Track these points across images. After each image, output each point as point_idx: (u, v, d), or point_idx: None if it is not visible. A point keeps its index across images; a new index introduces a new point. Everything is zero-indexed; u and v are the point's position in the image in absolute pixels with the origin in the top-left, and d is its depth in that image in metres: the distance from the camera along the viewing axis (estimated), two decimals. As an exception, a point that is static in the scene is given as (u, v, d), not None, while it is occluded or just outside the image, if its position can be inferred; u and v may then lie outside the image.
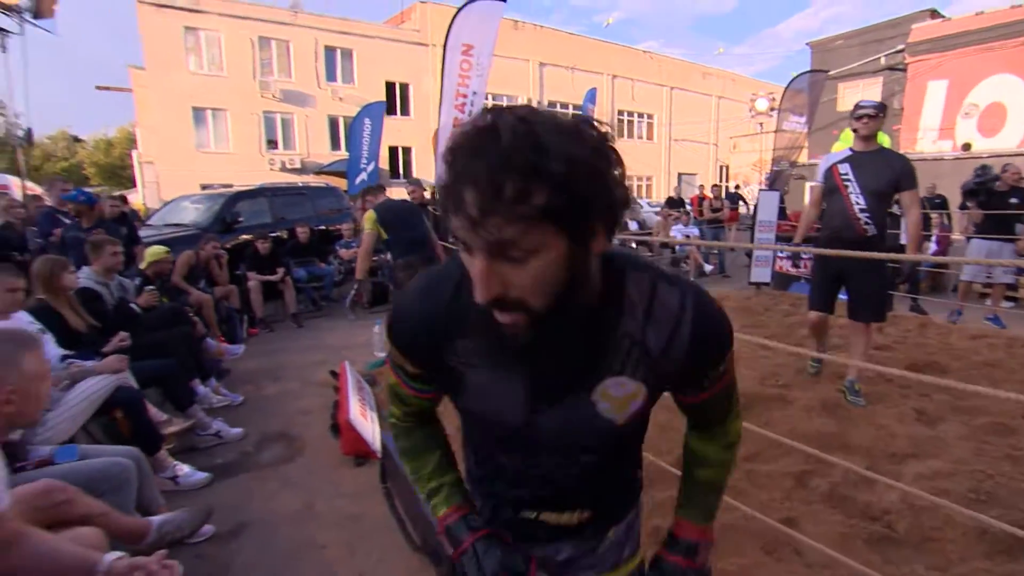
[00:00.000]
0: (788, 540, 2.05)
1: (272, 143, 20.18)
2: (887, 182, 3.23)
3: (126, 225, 5.58)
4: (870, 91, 17.28)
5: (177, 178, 17.62)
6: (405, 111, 22.18)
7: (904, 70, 16.57)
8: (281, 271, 6.13)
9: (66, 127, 36.38)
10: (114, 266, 3.60)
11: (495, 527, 0.91)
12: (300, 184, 9.36)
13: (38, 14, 9.32)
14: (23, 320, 2.66)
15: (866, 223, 3.27)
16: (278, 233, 6.90)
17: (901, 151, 7.37)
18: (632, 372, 0.76)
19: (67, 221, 5.14)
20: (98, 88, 22.10)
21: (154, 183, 18.66)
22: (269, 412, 3.81)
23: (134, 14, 17.87)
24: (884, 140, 3.60)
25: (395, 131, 18.98)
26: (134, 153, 21.03)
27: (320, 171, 19.16)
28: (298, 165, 19.82)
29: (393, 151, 21.30)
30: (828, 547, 1.88)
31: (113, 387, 2.59)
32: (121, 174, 28.49)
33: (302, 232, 6.85)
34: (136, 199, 17.27)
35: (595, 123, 0.63)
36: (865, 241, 3.24)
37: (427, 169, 17.88)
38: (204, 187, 16.66)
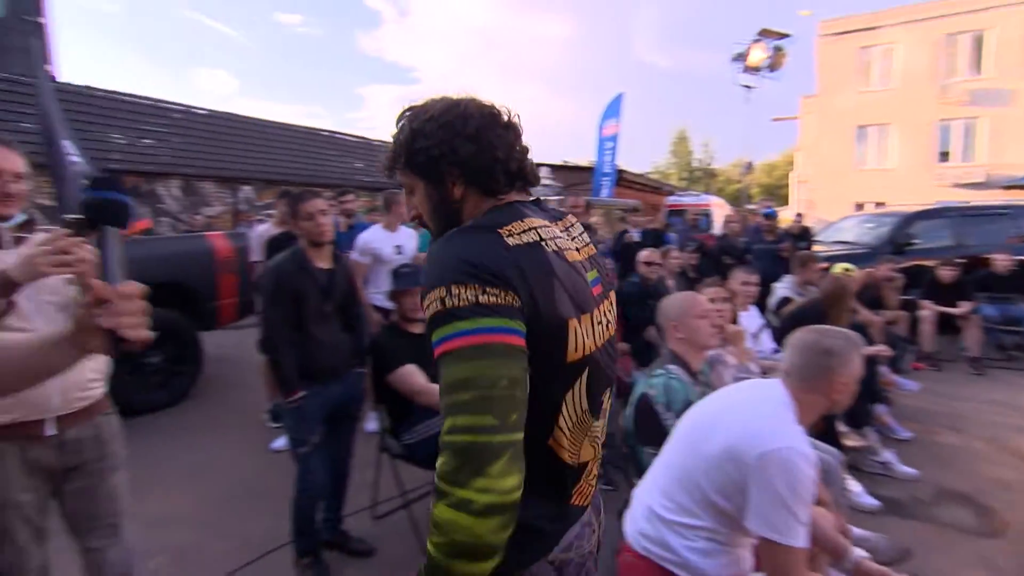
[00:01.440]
0: None
1: (944, 155, 17.51)
2: None
3: (806, 240, 6.11)
4: None
5: (830, 196, 18.04)
6: None
7: None
8: (967, 305, 5.20)
9: (742, 156, 43.94)
10: (815, 282, 3.91)
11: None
12: (999, 203, 7.61)
13: (773, 68, 12.32)
14: (754, 315, 3.30)
15: None
16: (963, 260, 5.88)
17: None
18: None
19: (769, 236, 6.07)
20: (774, 120, 25.52)
21: (806, 200, 19.80)
22: (947, 465, 3.31)
23: (811, 50, 19.39)
24: None
25: None
26: (792, 175, 23.00)
27: (1011, 185, 15.18)
28: (979, 179, 16.40)
29: None
30: None
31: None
32: (778, 193, 31.91)
33: (1002, 262, 5.56)
34: (785, 216, 19.00)
35: (467, 103, 0.92)
36: None
37: None
38: (858, 206, 16.31)
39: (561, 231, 0.94)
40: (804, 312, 3.18)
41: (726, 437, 1.34)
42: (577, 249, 0.94)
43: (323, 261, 2.25)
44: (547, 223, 0.91)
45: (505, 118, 0.93)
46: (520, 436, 0.75)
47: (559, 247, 0.88)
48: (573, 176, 14.73)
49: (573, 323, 0.84)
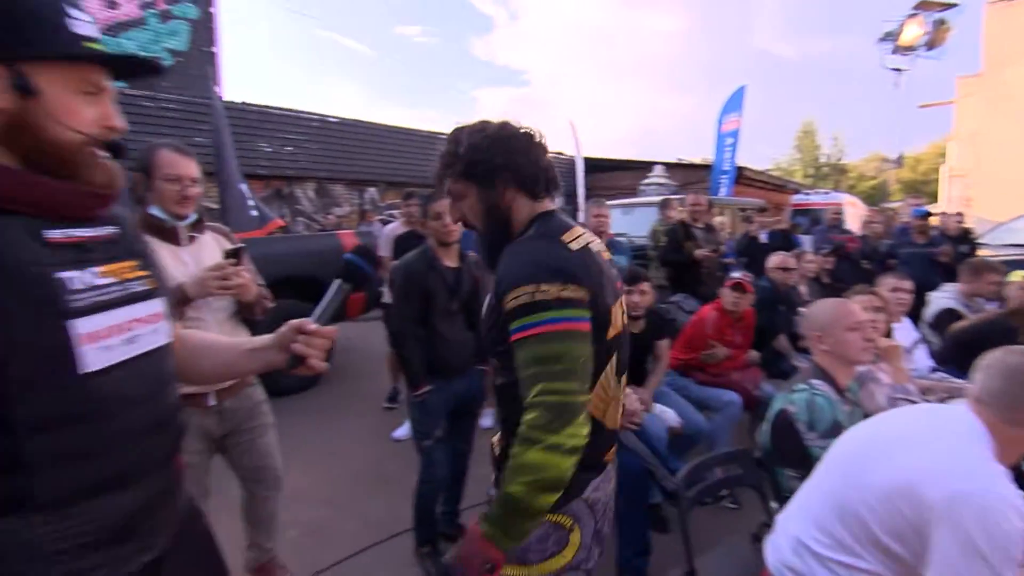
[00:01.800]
0: None
1: None
2: None
3: (968, 243, 5.32)
4: None
5: (994, 192, 15.61)
6: None
7: None
8: None
9: (878, 150, 39.44)
10: (987, 294, 3.37)
11: None
12: None
13: (932, 45, 10.63)
14: (907, 328, 2.91)
15: None
16: None
17: None
18: (493, 287, 1.05)
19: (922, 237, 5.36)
20: (921, 107, 22.51)
21: (961, 198, 17.32)
22: None
23: (972, 22, 16.76)
24: None
25: None
26: (942, 168, 20.24)
27: None
28: None
29: None
30: None
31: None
32: (923, 190, 28.25)
33: None
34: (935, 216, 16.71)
35: (511, 124, 1.11)
36: None
37: None
38: (1033, 203, 13.98)
39: (591, 236, 1.13)
40: (986, 329, 2.75)
41: (900, 470, 1.17)
42: (603, 250, 1.14)
43: (450, 260, 2.31)
44: (583, 230, 1.11)
45: (537, 138, 1.13)
46: (588, 399, 0.98)
47: (597, 248, 1.10)
48: (689, 174, 14.09)
49: (614, 308, 1.07)
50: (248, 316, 1.85)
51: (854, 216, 8.96)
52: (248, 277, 1.73)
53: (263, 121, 8.96)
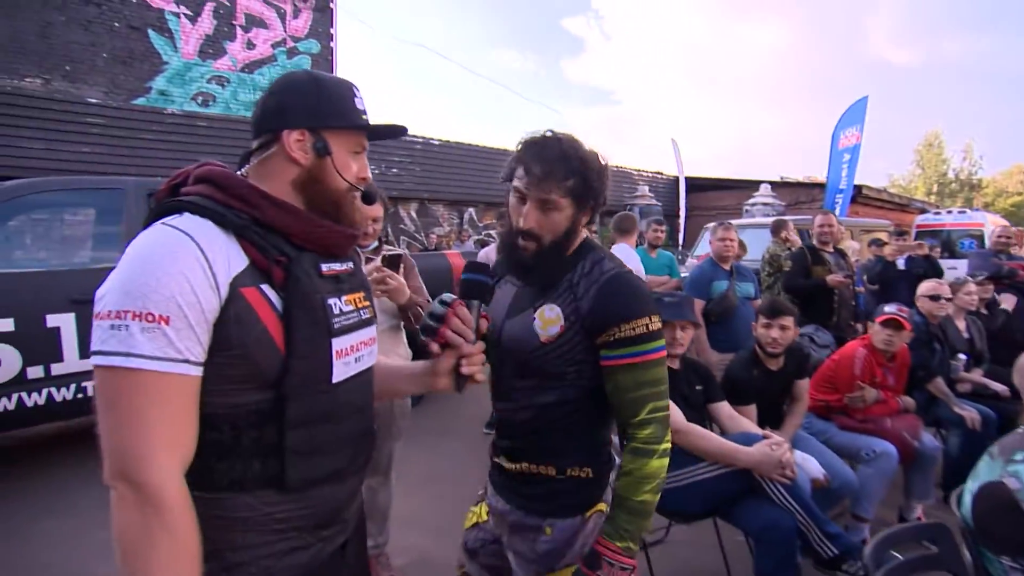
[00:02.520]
0: None
1: None
2: None
3: None
4: None
5: None
6: None
7: None
8: None
9: (1020, 162, 34.92)
10: None
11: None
12: None
13: None
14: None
15: None
16: None
17: None
18: (560, 303, 1.13)
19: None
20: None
21: None
22: None
23: None
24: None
25: None
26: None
27: None
28: None
29: None
30: None
31: None
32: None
33: None
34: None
35: (592, 147, 1.15)
36: None
37: None
38: None
39: None
40: None
41: None
42: None
43: None
44: None
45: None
46: None
47: None
48: (798, 193, 13.20)
49: None
50: (407, 324, 2.10)
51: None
52: (400, 281, 1.93)
53: (374, 145, 9.46)
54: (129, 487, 0.69)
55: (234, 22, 9.33)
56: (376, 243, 2.07)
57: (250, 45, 9.46)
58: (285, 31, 9.82)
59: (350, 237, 0.93)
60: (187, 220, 0.78)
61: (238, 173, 0.89)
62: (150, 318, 0.69)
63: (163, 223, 0.77)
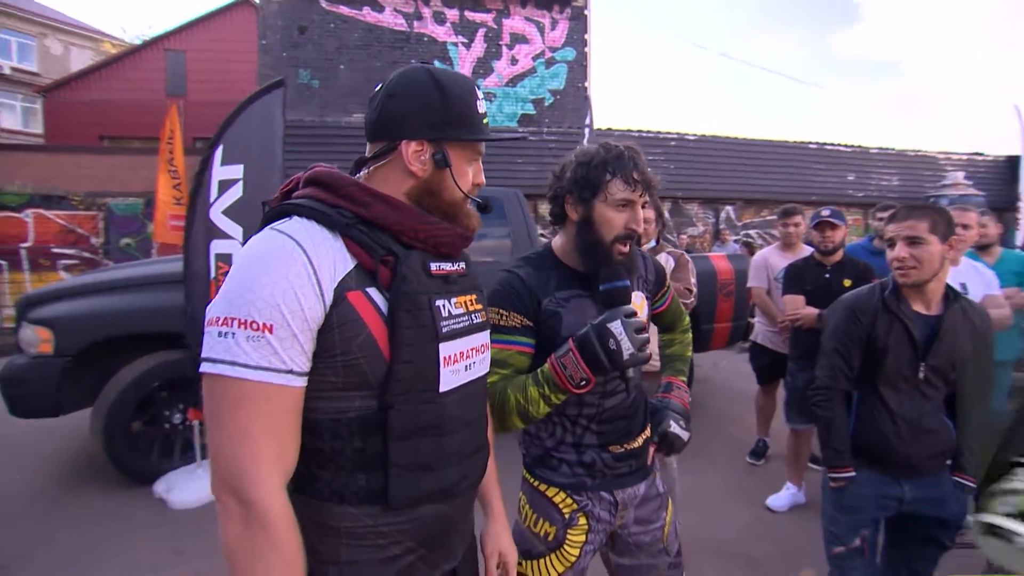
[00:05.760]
0: None
1: None
2: None
3: None
4: None
5: None
6: None
7: None
8: None
9: None
10: None
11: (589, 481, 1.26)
12: None
13: None
14: None
15: None
16: None
17: None
18: (642, 288, 1.34)
19: None
20: None
21: None
22: None
23: None
24: None
25: None
26: None
27: None
28: None
29: None
30: None
31: None
32: None
33: None
34: None
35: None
36: None
37: None
38: None
39: None
40: None
41: None
42: None
43: (922, 304, 1.61)
44: None
45: None
46: None
47: None
48: None
49: None
50: None
51: None
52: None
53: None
54: (235, 501, 0.67)
55: (500, 42, 10.20)
56: (654, 242, 2.25)
57: (513, 61, 10.21)
58: (544, 43, 10.33)
59: (462, 237, 0.88)
60: (295, 224, 0.75)
61: None
62: (255, 326, 0.68)
63: (271, 228, 0.75)
